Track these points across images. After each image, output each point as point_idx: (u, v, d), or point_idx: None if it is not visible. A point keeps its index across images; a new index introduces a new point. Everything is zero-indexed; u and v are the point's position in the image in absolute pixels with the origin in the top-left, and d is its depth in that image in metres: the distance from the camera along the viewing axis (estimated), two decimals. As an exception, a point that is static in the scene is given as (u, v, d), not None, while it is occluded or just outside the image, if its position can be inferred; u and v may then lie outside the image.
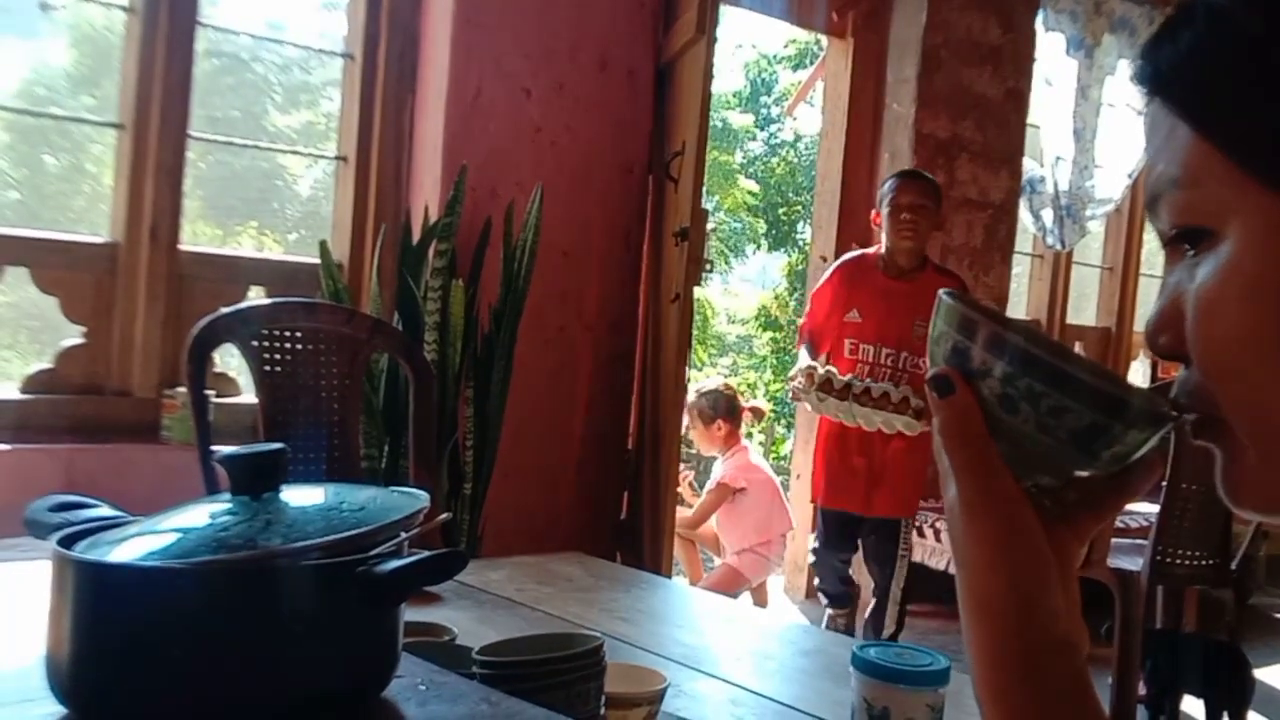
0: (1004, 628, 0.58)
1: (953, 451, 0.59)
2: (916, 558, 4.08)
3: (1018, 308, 5.44)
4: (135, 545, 0.86)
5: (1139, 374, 5.92)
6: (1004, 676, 0.58)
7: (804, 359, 3.30)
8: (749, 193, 12.84)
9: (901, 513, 3.41)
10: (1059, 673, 0.57)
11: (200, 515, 0.88)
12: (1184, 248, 0.55)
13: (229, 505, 0.89)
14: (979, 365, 0.58)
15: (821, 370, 3.18)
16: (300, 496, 0.92)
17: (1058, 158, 5.06)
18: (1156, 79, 0.56)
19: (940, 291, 0.62)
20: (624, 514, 3.60)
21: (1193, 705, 3.18)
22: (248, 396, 3.08)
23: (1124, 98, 5.21)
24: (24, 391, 2.83)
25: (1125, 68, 5.21)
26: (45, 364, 2.87)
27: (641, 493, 3.55)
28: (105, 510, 0.98)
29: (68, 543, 0.87)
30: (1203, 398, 0.55)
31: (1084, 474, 0.60)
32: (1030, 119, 4.95)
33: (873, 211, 3.62)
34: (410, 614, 0.93)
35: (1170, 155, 0.55)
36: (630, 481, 3.63)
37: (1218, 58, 0.53)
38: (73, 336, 2.90)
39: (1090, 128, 5.11)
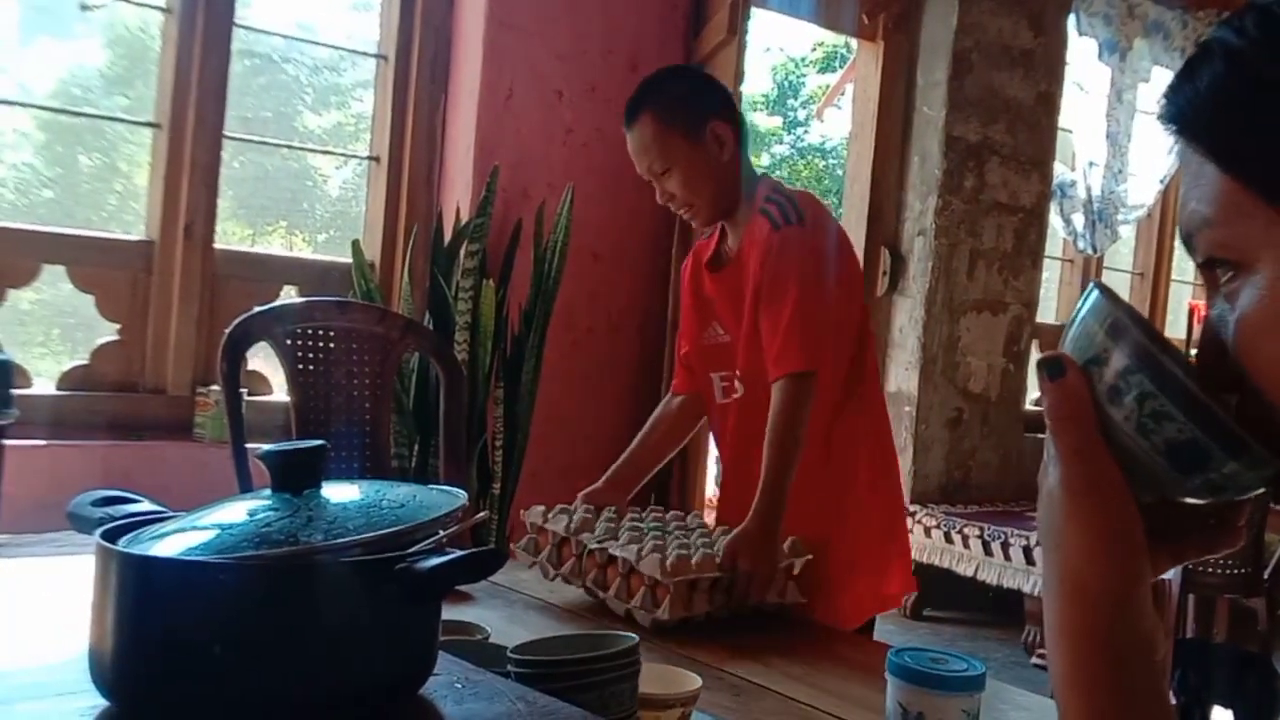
0: (1097, 615, 0.57)
1: (1060, 434, 0.59)
2: (944, 564, 4.06)
3: (1047, 313, 5.40)
4: (178, 540, 0.86)
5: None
6: (1091, 663, 0.57)
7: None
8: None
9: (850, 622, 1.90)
10: (1142, 666, 0.57)
11: (242, 511, 0.89)
12: (1220, 276, 0.56)
13: (270, 501, 0.89)
14: (1099, 351, 0.58)
15: (563, 516, 1.78)
16: (341, 493, 0.92)
17: (1090, 162, 5.03)
18: (1180, 119, 0.57)
19: (1092, 281, 0.62)
20: (650, 513, 3.60)
21: (1222, 716, 3.15)
22: (279, 395, 3.10)
23: (1157, 104, 5.16)
24: (60, 388, 2.86)
25: (1159, 74, 5.17)
26: (81, 360, 2.90)
27: (669, 496, 3.54)
28: (147, 505, 0.99)
29: (111, 537, 0.88)
30: (1266, 426, 0.55)
31: (1177, 499, 0.59)
32: (1061, 123, 4.92)
33: None
34: (443, 613, 0.93)
35: (1200, 193, 0.55)
36: (658, 485, 3.62)
37: (1237, 99, 0.54)
38: (108, 334, 2.93)
39: (1125, 132, 5.08)
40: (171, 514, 0.96)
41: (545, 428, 3.19)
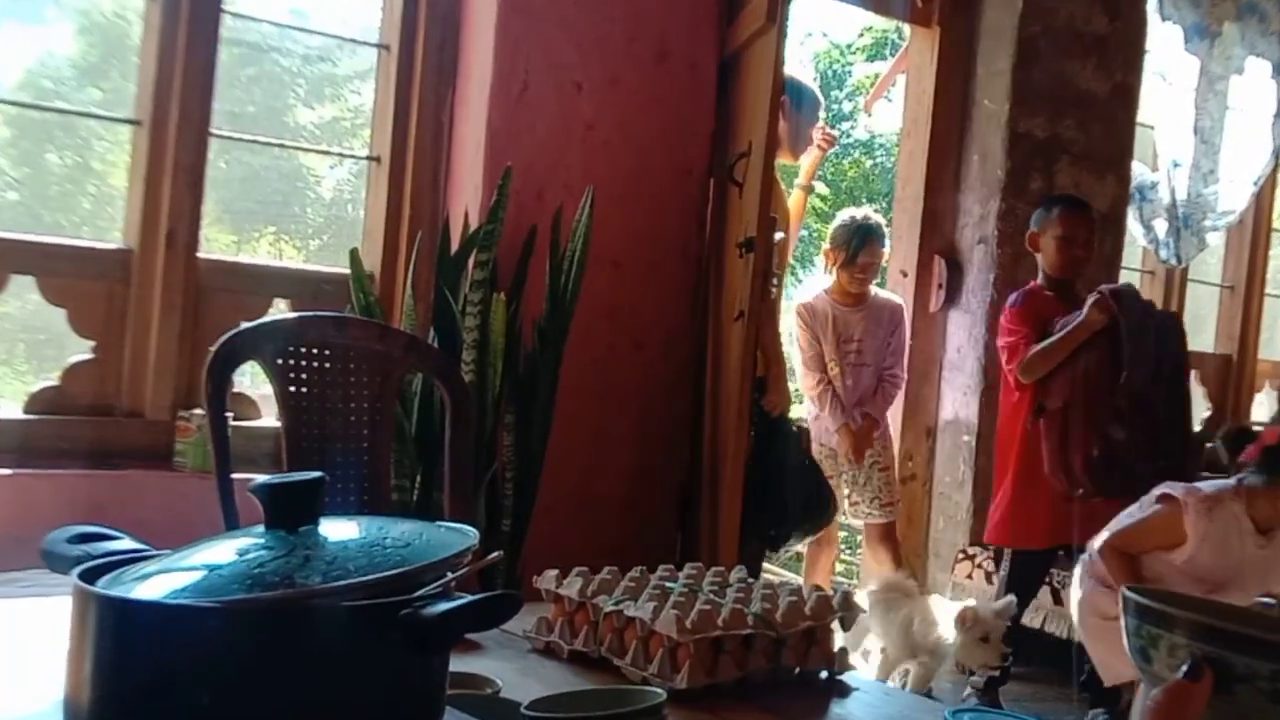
0: None
1: None
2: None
3: (1125, 330, 5.37)
4: (163, 581, 0.88)
5: (1264, 407, 5.82)
6: None
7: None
8: (819, 197, 12.82)
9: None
10: None
11: (232, 549, 0.90)
12: None
13: (263, 539, 0.91)
14: (1241, 670, 0.70)
15: None
16: (339, 531, 0.94)
17: (1174, 162, 5.00)
18: None
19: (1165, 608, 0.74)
20: (678, 556, 3.60)
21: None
22: (268, 420, 3.13)
23: (1250, 98, 5.14)
24: (27, 411, 2.89)
25: (1254, 64, 5.14)
26: (51, 381, 2.94)
27: (698, 532, 3.54)
28: (128, 543, 1.01)
29: (89, 577, 0.90)
30: None
31: None
32: (1140, 118, 4.90)
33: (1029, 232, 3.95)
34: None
35: None
36: (685, 520, 3.63)
37: None
38: (80, 352, 2.96)
39: (1217, 128, 5.04)
40: (154, 552, 0.98)
41: (560, 457, 3.20)
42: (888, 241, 4.48)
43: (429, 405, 2.93)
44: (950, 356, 4.58)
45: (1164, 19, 4.88)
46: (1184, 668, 0.71)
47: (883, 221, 4.40)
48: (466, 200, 3.28)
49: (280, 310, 3.18)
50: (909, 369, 4.46)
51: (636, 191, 3.48)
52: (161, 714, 0.82)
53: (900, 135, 4.82)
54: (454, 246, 3.11)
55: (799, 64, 13.55)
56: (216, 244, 4.14)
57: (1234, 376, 5.69)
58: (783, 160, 4.13)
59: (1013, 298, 3.88)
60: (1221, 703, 0.70)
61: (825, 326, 4.27)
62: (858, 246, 4.23)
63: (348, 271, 2.98)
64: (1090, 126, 4.66)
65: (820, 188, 12.96)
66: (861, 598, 3.44)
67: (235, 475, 2.00)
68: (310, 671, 0.83)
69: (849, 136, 13.84)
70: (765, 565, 4.65)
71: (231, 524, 1.92)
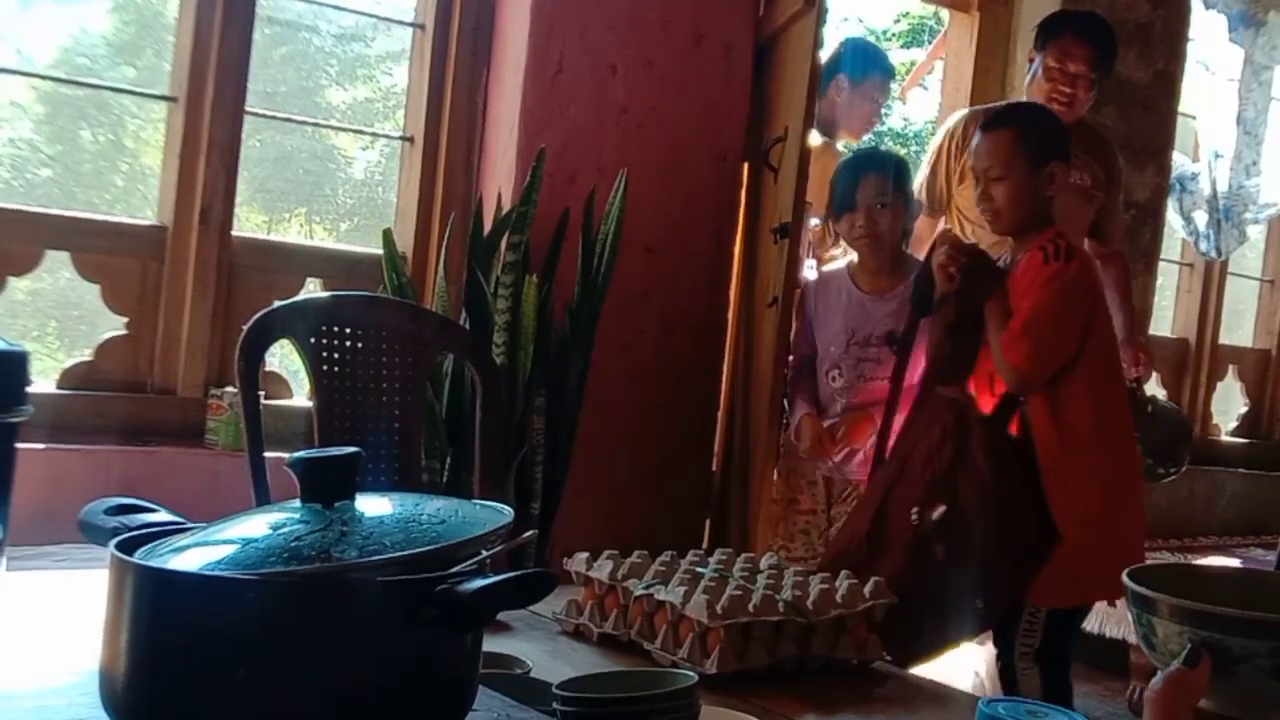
0: None
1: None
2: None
3: (1162, 323, 5.33)
4: (199, 553, 0.89)
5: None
6: None
7: None
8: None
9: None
10: None
11: (269, 523, 0.91)
12: None
13: (300, 513, 0.91)
14: (1239, 651, 0.73)
15: None
16: (375, 506, 0.94)
17: (1215, 153, 4.96)
18: None
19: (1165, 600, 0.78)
20: (706, 544, 3.60)
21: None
22: (298, 400, 3.15)
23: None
24: (61, 387, 2.92)
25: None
26: (84, 356, 2.97)
27: (727, 521, 3.54)
28: (165, 515, 1.02)
29: (126, 548, 0.91)
30: None
31: None
32: (1182, 108, 4.85)
33: None
34: (482, 642, 0.95)
35: None
36: (714, 508, 3.63)
37: None
38: (113, 328, 2.99)
39: (1261, 118, 4.99)
40: (191, 525, 0.99)
41: (590, 441, 3.20)
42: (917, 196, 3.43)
43: (460, 387, 2.93)
44: (985, 347, 4.55)
45: (1208, 7, 4.83)
46: (1181, 655, 0.73)
47: (905, 162, 3.29)
48: (499, 182, 3.28)
49: (313, 290, 3.19)
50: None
51: (670, 175, 3.47)
52: (197, 685, 0.83)
53: (936, 123, 4.79)
54: (486, 228, 3.11)
55: (833, 49, 13.47)
56: (248, 224, 4.17)
57: (1273, 371, 5.64)
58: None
59: None
60: (1225, 684, 0.72)
61: (828, 313, 3.28)
62: (849, 185, 3.11)
63: (380, 252, 2.99)
64: (1131, 115, 4.61)
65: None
66: None
67: (267, 454, 2.02)
68: (345, 645, 0.83)
69: (883, 124, 13.77)
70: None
71: (263, 503, 1.93)
